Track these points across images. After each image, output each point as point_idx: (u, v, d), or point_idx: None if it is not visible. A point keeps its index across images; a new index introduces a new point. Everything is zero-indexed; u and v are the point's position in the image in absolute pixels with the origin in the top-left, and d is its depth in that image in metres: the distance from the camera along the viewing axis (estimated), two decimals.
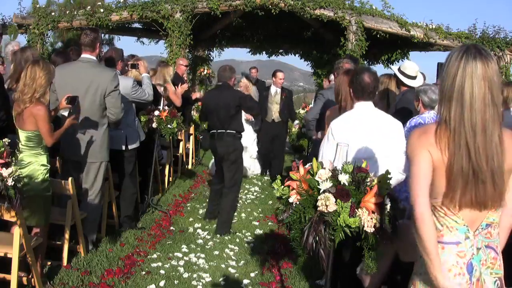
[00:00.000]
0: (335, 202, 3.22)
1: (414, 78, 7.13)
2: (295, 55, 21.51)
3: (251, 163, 13.04)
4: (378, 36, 16.05)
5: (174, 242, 7.50)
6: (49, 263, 6.20)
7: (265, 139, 12.90)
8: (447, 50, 16.48)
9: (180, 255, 6.97)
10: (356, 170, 3.37)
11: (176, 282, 6.09)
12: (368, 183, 3.32)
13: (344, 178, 3.28)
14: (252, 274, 6.49)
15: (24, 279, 5.53)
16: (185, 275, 6.32)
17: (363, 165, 3.47)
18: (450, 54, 2.76)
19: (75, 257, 6.51)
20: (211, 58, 21.20)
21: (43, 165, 5.58)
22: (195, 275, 6.34)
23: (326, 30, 17.89)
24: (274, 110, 12.68)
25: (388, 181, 3.31)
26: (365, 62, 18.67)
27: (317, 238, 3.24)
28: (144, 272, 6.27)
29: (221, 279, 6.32)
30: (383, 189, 3.30)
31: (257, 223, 8.81)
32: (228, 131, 8.04)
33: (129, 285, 5.89)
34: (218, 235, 7.92)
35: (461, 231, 2.73)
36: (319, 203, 3.23)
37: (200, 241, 7.65)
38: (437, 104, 2.84)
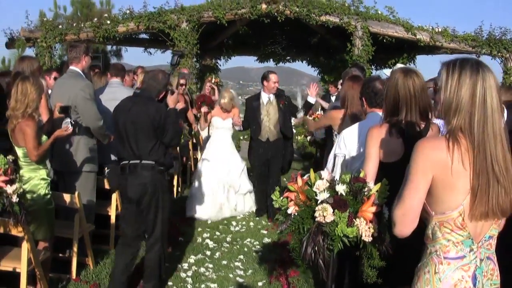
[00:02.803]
0: (333, 212, 3.24)
1: None
2: (302, 62, 21.56)
3: (238, 200, 9.94)
4: (385, 40, 16.08)
5: (182, 253, 7.54)
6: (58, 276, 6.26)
7: (258, 165, 9.76)
8: (454, 53, 16.50)
9: (187, 266, 7.00)
10: (354, 180, 3.40)
11: None
12: (366, 193, 3.35)
13: (341, 189, 3.31)
14: (260, 283, 6.53)
15: None
16: (193, 286, 6.35)
17: (361, 174, 3.50)
18: (459, 65, 2.73)
19: (84, 269, 6.57)
20: (219, 66, 21.27)
21: (43, 179, 5.70)
22: (203, 286, 6.38)
23: (333, 36, 17.92)
24: (269, 125, 9.54)
25: (386, 190, 3.33)
26: (372, 67, 18.67)
27: (316, 248, 3.27)
28: None
29: None
30: (381, 198, 3.32)
31: (265, 232, 8.83)
32: (144, 162, 5.72)
33: None
34: (226, 245, 7.95)
35: (466, 245, 2.75)
36: (316, 214, 3.25)
37: (208, 252, 7.67)
38: (446, 114, 2.81)
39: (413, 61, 18.81)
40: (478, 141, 2.65)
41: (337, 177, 3.49)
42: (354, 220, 3.27)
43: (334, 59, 19.44)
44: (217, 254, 7.59)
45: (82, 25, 16.26)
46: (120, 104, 5.94)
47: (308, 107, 9.29)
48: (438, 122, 4.47)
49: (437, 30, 16.05)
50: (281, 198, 3.50)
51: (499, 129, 2.67)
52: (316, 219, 3.27)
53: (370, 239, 3.26)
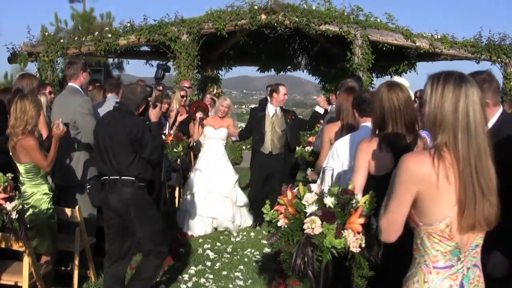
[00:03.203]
0: (321, 224, 3.34)
1: None
2: (303, 71, 21.65)
3: (234, 212, 9.69)
4: (384, 48, 16.18)
5: (183, 264, 7.63)
6: None
7: (257, 178, 9.70)
8: (454, 59, 16.64)
9: (188, 277, 7.09)
10: (342, 193, 3.49)
11: None
12: (353, 205, 3.44)
13: (329, 201, 3.40)
14: None
15: None
16: None
17: (349, 187, 3.59)
18: (435, 80, 2.81)
19: (85, 282, 6.67)
20: (220, 77, 21.39)
21: (45, 194, 5.82)
22: None
23: (333, 45, 18.02)
24: (273, 138, 9.49)
25: (373, 202, 3.42)
26: (373, 74, 18.79)
27: (306, 260, 3.36)
28: None
29: None
30: (368, 210, 3.41)
31: (266, 242, 8.90)
32: (124, 177, 5.62)
33: None
34: (227, 255, 8.04)
35: (454, 254, 2.82)
36: (305, 226, 3.35)
37: (208, 263, 7.76)
38: (431, 129, 2.88)
39: (414, 68, 18.89)
40: (463, 156, 2.71)
41: (326, 190, 3.59)
42: (342, 231, 3.37)
43: (335, 68, 19.53)
44: (218, 264, 7.67)
45: (84, 39, 16.39)
46: (100, 118, 6.02)
47: (317, 117, 9.44)
48: (425, 134, 4.55)
49: (436, 37, 16.14)
50: (272, 211, 3.60)
51: (483, 142, 2.73)
52: (305, 231, 3.37)
53: (358, 250, 3.35)
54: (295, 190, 3.60)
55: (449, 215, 2.76)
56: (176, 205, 10.85)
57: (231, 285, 6.87)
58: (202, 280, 7.00)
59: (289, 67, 21.35)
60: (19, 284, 5.32)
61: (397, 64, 18.68)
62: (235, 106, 9.97)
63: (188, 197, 9.51)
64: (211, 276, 7.16)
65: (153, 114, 6.00)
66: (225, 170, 9.58)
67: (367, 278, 3.53)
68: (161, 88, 11.36)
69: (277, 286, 6.73)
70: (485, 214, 2.74)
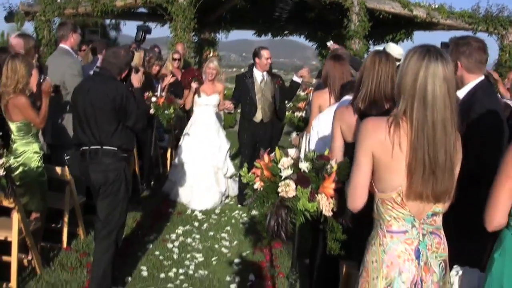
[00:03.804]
0: (296, 188, 3.47)
1: (398, 60, 7.24)
2: (300, 36, 21.66)
3: (229, 184, 9.47)
4: (381, 16, 16.18)
5: (171, 224, 7.81)
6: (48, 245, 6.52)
7: (249, 147, 9.03)
8: (451, 29, 16.65)
9: (175, 236, 7.28)
10: (318, 158, 3.61)
11: (169, 262, 6.40)
12: (328, 170, 3.56)
13: (304, 166, 3.52)
14: (244, 254, 6.79)
15: (25, 261, 5.85)
16: (179, 255, 6.62)
17: (326, 153, 3.71)
18: (410, 51, 2.89)
19: (75, 239, 6.83)
20: (217, 40, 21.36)
21: (35, 152, 5.93)
22: (188, 255, 6.64)
23: (330, 11, 18.00)
24: (263, 106, 8.95)
25: (347, 168, 3.54)
26: (370, 42, 18.81)
27: (280, 221, 3.50)
28: (140, 253, 6.58)
29: (213, 258, 6.59)
30: (342, 175, 3.53)
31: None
32: (105, 147, 5.25)
33: (124, 266, 6.18)
34: (214, 216, 8.21)
35: (407, 221, 2.92)
36: (280, 189, 3.48)
37: (196, 223, 7.93)
38: (396, 97, 2.96)
39: (411, 37, 18.93)
40: (416, 126, 2.78)
41: (302, 155, 3.71)
42: (316, 195, 3.49)
43: (332, 34, 19.51)
44: (205, 225, 7.84)
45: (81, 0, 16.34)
46: (79, 84, 5.59)
47: (295, 88, 9.34)
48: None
49: (433, 7, 16.16)
50: (249, 174, 3.72)
51: (442, 118, 2.78)
52: (280, 194, 3.50)
53: (330, 213, 3.48)
54: (272, 155, 3.72)
55: (401, 184, 2.86)
56: (168, 167, 10.95)
57: (216, 245, 7.04)
58: (189, 240, 7.17)
59: (286, 32, 21.34)
60: (9, 239, 5.45)
61: (394, 32, 18.69)
62: (234, 69, 9.06)
63: (178, 167, 9.21)
64: (197, 236, 7.33)
65: (136, 80, 5.67)
66: (217, 139, 9.19)
67: (340, 242, 3.66)
68: (157, 50, 11.43)
69: (262, 248, 6.89)
70: (433, 188, 2.84)
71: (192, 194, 8.86)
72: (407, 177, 2.84)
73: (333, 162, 3.62)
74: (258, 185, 3.63)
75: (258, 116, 8.94)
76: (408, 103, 2.82)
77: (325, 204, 3.46)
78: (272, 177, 3.60)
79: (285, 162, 3.58)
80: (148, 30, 7.13)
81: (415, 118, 2.80)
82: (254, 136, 8.99)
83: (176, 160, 9.28)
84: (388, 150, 2.84)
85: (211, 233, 7.50)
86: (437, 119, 2.79)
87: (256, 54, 8.95)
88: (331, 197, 3.49)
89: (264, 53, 8.85)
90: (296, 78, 9.02)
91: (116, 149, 5.24)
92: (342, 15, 16.49)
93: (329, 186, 3.50)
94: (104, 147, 5.21)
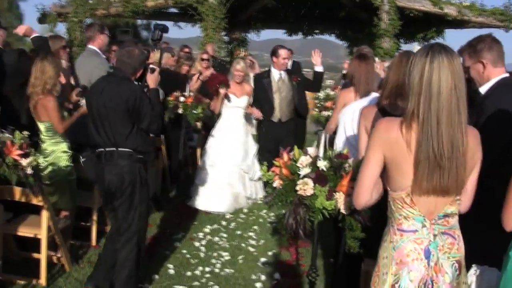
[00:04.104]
0: (314, 186, 3.50)
1: None
2: (330, 35, 21.64)
3: (257, 186, 9.18)
4: (411, 15, 16.08)
5: (199, 223, 7.89)
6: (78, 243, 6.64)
7: (269, 148, 8.61)
8: (483, 27, 16.46)
9: (202, 235, 7.35)
10: (336, 156, 3.64)
11: (196, 260, 6.47)
12: (346, 168, 3.58)
13: (322, 164, 3.55)
14: (270, 253, 6.84)
15: (54, 258, 5.98)
16: (206, 254, 6.70)
17: (345, 151, 3.73)
18: (418, 51, 2.91)
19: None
20: (248, 40, 21.42)
21: (64, 151, 6.07)
22: (215, 254, 6.70)
23: (360, 10, 17.94)
24: (281, 105, 8.87)
25: None
26: (401, 40, 18.71)
27: (297, 219, 3.54)
28: (167, 252, 6.66)
29: (239, 257, 6.65)
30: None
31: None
32: (120, 149, 5.12)
33: (151, 263, 6.26)
34: (242, 215, 8.25)
35: (417, 220, 2.92)
36: (298, 187, 3.52)
37: (224, 222, 8.01)
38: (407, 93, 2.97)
39: (442, 35, 18.75)
40: (422, 120, 2.79)
41: (320, 153, 3.73)
42: (333, 193, 3.52)
43: (362, 33, 19.44)
44: (233, 224, 7.91)
45: (112, 0, 16.54)
46: (93, 85, 5.48)
47: (319, 78, 9.10)
48: None
49: (464, 4, 15.99)
50: (269, 172, 3.76)
51: (447, 108, 2.77)
52: (298, 192, 3.53)
53: (348, 211, 3.51)
54: (291, 153, 3.75)
55: (410, 184, 2.87)
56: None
57: (243, 244, 7.10)
58: (216, 239, 7.24)
59: (316, 31, 21.31)
60: (38, 236, 5.57)
61: (425, 30, 18.53)
62: (266, 69, 8.66)
63: (204, 170, 8.92)
64: (225, 235, 7.41)
65: (151, 80, 5.49)
66: (245, 142, 8.96)
67: (359, 240, 3.67)
68: (187, 50, 11.50)
69: (288, 247, 6.92)
70: (440, 181, 2.83)
71: (217, 199, 8.60)
72: (414, 170, 2.84)
73: (351, 160, 3.64)
74: (277, 183, 3.67)
75: (276, 115, 8.84)
76: (415, 100, 2.82)
77: (343, 202, 3.49)
78: (290, 175, 3.64)
79: (303, 161, 3.61)
80: (164, 29, 7.03)
81: (420, 112, 2.79)
82: (273, 136, 8.76)
83: (202, 163, 9.08)
84: (399, 151, 2.85)
85: (238, 232, 7.56)
86: (441, 111, 2.77)
87: (273, 52, 8.86)
88: (349, 195, 3.51)
89: (282, 52, 8.74)
90: (317, 68, 8.87)
91: (131, 151, 5.11)
92: (372, 14, 16.39)
93: (347, 184, 3.52)
94: (120, 149, 5.08)
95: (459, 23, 16.96)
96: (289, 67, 9.65)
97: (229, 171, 8.79)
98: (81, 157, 5.57)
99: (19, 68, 6.36)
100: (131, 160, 5.11)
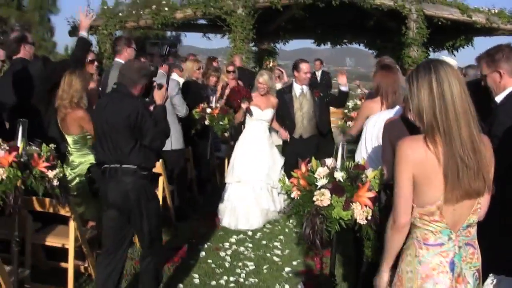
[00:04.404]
0: (330, 197, 3.55)
1: None
2: (359, 45, 21.60)
3: (281, 201, 8.47)
4: (440, 23, 16.02)
5: (225, 233, 7.97)
6: None
7: (288, 164, 8.32)
8: None
9: (228, 245, 7.43)
10: (353, 168, 3.69)
11: (221, 270, 6.53)
12: (363, 179, 3.63)
13: (339, 175, 3.61)
14: (295, 263, 6.87)
15: (81, 267, 6.10)
16: (231, 263, 6.77)
17: (361, 162, 3.78)
18: (415, 72, 2.98)
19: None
20: (277, 50, 21.52)
21: (91, 163, 6.15)
22: (240, 264, 6.76)
23: (389, 19, 17.93)
24: (303, 121, 8.58)
25: (382, 177, 3.61)
26: (430, 49, 18.65)
27: (314, 229, 3.59)
28: (193, 261, 6.74)
29: (264, 267, 6.70)
30: (377, 185, 3.60)
31: None
32: (124, 166, 5.01)
33: (176, 273, 6.38)
34: (268, 225, 8.29)
35: (444, 234, 2.96)
36: (315, 198, 3.57)
37: (250, 232, 8.08)
38: (419, 120, 3.01)
39: (471, 43, 18.60)
40: (443, 129, 2.84)
41: (338, 164, 3.78)
42: (350, 204, 3.57)
43: (391, 42, 19.39)
44: (258, 234, 7.96)
45: (141, 12, 16.80)
46: (98, 101, 5.49)
47: (343, 97, 8.87)
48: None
49: (493, 12, 15.86)
50: (287, 184, 3.83)
51: (463, 112, 2.84)
52: (315, 203, 3.59)
53: (365, 222, 3.55)
54: (309, 165, 3.81)
55: (440, 198, 2.90)
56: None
57: (268, 254, 7.14)
58: (242, 249, 7.30)
59: (345, 40, 21.31)
60: (66, 246, 5.69)
61: (454, 38, 18.43)
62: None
63: (231, 186, 8.71)
64: (250, 245, 7.46)
65: (158, 96, 5.36)
66: (270, 156, 8.70)
67: (377, 249, 3.71)
68: (216, 64, 11.62)
69: (313, 257, 6.95)
70: (470, 183, 2.87)
71: (246, 216, 8.39)
72: (444, 180, 2.87)
73: (368, 171, 3.68)
74: (295, 194, 3.73)
75: (298, 132, 8.56)
76: (431, 115, 2.87)
77: (359, 213, 3.53)
78: (308, 186, 3.69)
79: (321, 172, 3.67)
80: (173, 44, 7.03)
81: (440, 122, 2.85)
82: (294, 152, 8.26)
83: (228, 179, 8.84)
84: (429, 166, 2.89)
85: (264, 242, 7.61)
86: (459, 116, 2.84)
87: (295, 67, 8.59)
88: (366, 206, 3.56)
89: (303, 67, 8.49)
90: (343, 88, 8.60)
91: (135, 167, 4.99)
92: (400, 23, 16.38)
93: (364, 194, 3.57)
94: (123, 166, 4.99)
95: (488, 31, 16.82)
96: (318, 77, 9.58)
97: (256, 186, 8.55)
98: (87, 172, 5.59)
99: (46, 76, 6.52)
100: (135, 177, 5.01)
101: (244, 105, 8.61)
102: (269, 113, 8.70)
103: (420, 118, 2.94)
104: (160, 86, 5.40)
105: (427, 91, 2.87)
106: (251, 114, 8.69)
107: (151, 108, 5.35)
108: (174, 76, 8.87)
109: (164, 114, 5.36)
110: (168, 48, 6.62)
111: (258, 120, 8.73)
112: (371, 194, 3.59)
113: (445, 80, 2.85)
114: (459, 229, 2.98)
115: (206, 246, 7.34)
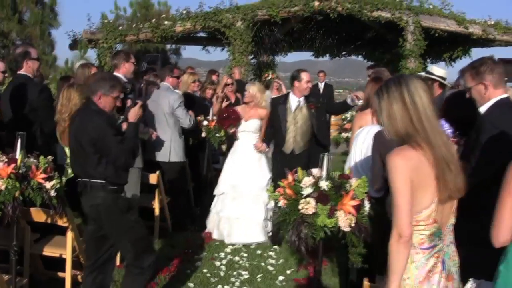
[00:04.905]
0: (316, 205, 3.69)
1: (444, 79, 7.23)
2: (357, 56, 21.78)
3: (265, 214, 8.19)
4: (436, 34, 16.20)
5: (221, 243, 8.09)
6: None
7: (276, 180, 6.84)
8: (508, 45, 16.47)
9: (223, 255, 7.55)
10: (338, 177, 3.83)
11: (216, 279, 6.65)
12: (347, 188, 3.76)
13: (324, 184, 3.74)
14: (288, 271, 7.00)
15: (79, 277, 6.19)
16: (225, 273, 6.90)
17: (347, 171, 3.92)
18: (384, 86, 3.13)
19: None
20: (276, 62, 21.65)
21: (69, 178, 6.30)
22: (234, 273, 6.88)
23: (386, 31, 18.11)
24: (295, 136, 7.94)
25: (365, 186, 3.75)
26: (428, 60, 18.82)
27: (300, 236, 3.73)
28: (188, 271, 6.86)
29: (258, 276, 6.82)
30: (361, 193, 3.73)
31: None
32: (93, 180, 5.00)
33: (172, 282, 6.50)
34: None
35: (437, 235, 3.09)
36: (300, 207, 3.71)
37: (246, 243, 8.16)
38: (395, 134, 3.12)
39: (468, 54, 18.76)
40: (425, 137, 3.00)
41: (323, 174, 3.92)
42: (335, 212, 3.70)
43: (389, 53, 19.54)
44: (253, 244, 8.07)
45: (141, 26, 16.98)
46: (72, 116, 5.49)
47: (344, 107, 8.71)
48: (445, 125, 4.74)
49: (489, 23, 16.04)
50: (275, 193, 3.96)
51: (434, 121, 3.03)
52: (300, 211, 3.72)
53: (348, 229, 3.68)
54: (295, 174, 3.95)
55: (434, 200, 3.03)
56: None
57: (263, 264, 7.26)
58: (237, 258, 7.42)
59: (343, 52, 21.48)
60: (64, 256, 5.82)
61: (451, 50, 18.60)
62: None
63: (218, 198, 8.61)
64: (245, 255, 7.58)
65: (132, 114, 5.36)
66: (257, 168, 8.40)
67: (362, 256, 3.84)
68: (215, 77, 11.75)
69: (307, 266, 7.06)
70: (455, 183, 3.03)
71: (241, 230, 8.24)
72: (436, 183, 3.01)
73: (353, 180, 3.81)
74: (281, 203, 3.87)
75: (288, 147, 7.97)
76: (407, 124, 3.02)
77: (343, 220, 3.66)
78: (294, 195, 3.83)
79: (306, 181, 3.80)
80: (152, 61, 6.99)
81: (421, 131, 3.01)
82: (283, 168, 7.51)
83: (217, 191, 8.67)
84: (423, 171, 3.01)
85: (259, 252, 7.72)
86: (433, 123, 3.02)
87: (295, 77, 8.03)
88: (350, 214, 3.69)
89: (304, 76, 7.96)
90: (349, 101, 8.04)
91: (103, 181, 4.98)
92: (398, 35, 16.57)
93: (348, 203, 3.70)
94: (92, 180, 4.99)
95: (484, 42, 17.03)
96: (321, 88, 9.47)
97: (246, 201, 8.30)
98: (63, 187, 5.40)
99: (33, 105, 6.67)
100: (104, 191, 5.00)
101: (231, 131, 8.50)
102: (253, 123, 8.43)
103: (394, 130, 3.08)
104: (134, 104, 5.40)
105: (400, 103, 3.01)
106: (237, 139, 8.61)
107: (124, 125, 5.39)
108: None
109: (135, 132, 5.33)
110: (145, 65, 6.63)
111: (242, 132, 8.51)
112: (355, 202, 3.72)
113: (415, 92, 3.02)
114: (446, 228, 3.14)
115: (201, 256, 7.47)
